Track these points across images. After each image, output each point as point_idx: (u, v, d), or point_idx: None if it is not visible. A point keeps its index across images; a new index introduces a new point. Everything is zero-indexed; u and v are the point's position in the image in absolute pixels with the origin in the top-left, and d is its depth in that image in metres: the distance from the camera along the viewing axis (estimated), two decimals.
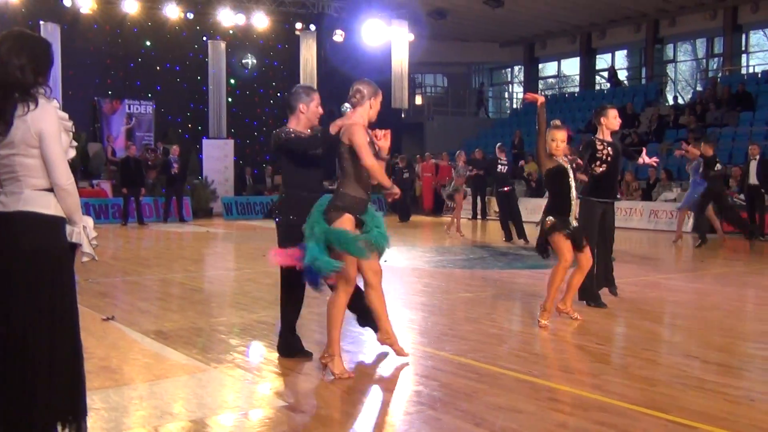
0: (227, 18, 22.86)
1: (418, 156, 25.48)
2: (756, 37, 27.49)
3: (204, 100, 23.84)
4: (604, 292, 7.92)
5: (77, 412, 3.50)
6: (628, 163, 21.43)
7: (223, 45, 23.60)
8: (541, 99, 6.86)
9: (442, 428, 4.08)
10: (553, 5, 26.29)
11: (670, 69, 29.45)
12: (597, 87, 30.64)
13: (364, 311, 5.51)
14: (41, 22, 20.23)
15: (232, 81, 24.59)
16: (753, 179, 16.11)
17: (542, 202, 14.90)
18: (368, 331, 5.87)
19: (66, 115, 3.58)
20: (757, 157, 15.87)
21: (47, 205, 3.44)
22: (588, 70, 30.69)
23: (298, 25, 24.37)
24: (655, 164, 8.55)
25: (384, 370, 5.28)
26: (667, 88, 28.71)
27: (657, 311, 7.69)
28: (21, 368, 3.36)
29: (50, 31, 20.20)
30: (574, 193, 6.69)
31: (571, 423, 4.22)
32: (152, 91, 23.65)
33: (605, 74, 30.46)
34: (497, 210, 15.99)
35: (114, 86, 23.45)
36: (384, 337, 5.42)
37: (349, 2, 25.10)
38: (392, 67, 24.66)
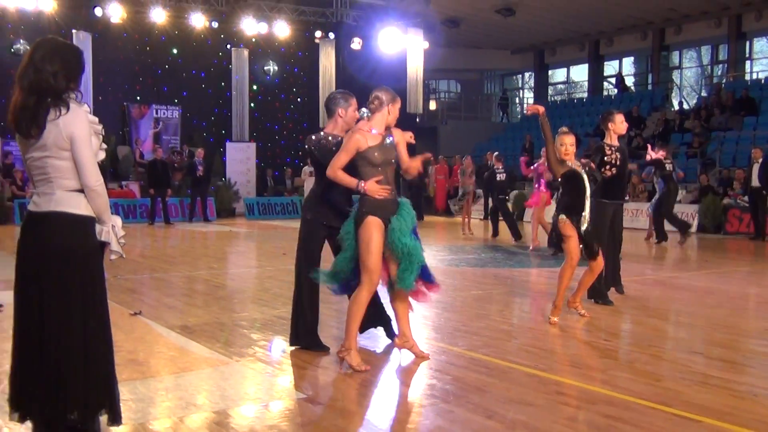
0: (250, 27, 22.92)
1: (431, 159, 25.46)
2: (759, 44, 27.23)
3: (228, 105, 23.92)
4: (610, 291, 7.89)
5: (111, 403, 3.52)
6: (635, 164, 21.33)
7: (246, 52, 23.67)
8: (541, 109, 6.84)
9: (454, 420, 4.07)
10: (563, 14, 26.18)
11: (675, 75, 29.25)
12: (605, 93, 30.47)
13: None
14: (74, 31, 20.37)
15: (255, 87, 24.65)
16: (755, 182, 15.98)
17: (552, 203, 14.85)
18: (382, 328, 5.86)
19: (96, 119, 3.59)
20: (760, 160, 15.74)
21: (78, 206, 3.46)
22: (596, 77, 30.53)
23: (318, 34, 24.39)
24: (662, 157, 8.44)
25: (399, 364, 5.26)
26: (673, 94, 28.50)
27: (662, 308, 7.64)
28: (56, 363, 3.37)
29: (82, 40, 20.34)
30: (588, 195, 6.66)
31: (579, 416, 4.20)
32: (178, 97, 23.76)
33: (613, 80, 30.27)
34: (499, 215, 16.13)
35: (142, 92, 23.57)
36: (403, 340, 5.40)
37: (366, 11, 25.11)
38: (408, 74, 24.67)
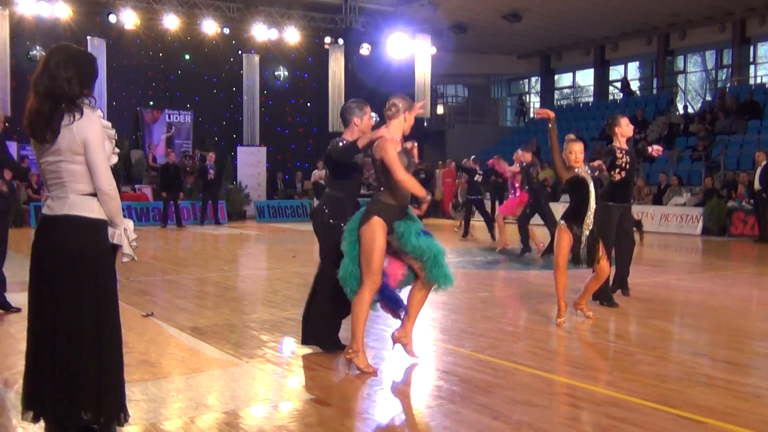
0: (261, 33, 22.96)
1: (440, 162, 25.46)
2: (764, 49, 27.09)
3: (239, 109, 23.97)
4: (616, 293, 7.87)
5: (120, 405, 3.53)
6: (640, 167, 21.27)
7: (256, 58, 23.72)
8: (552, 114, 6.83)
9: (461, 421, 4.06)
10: (568, 20, 26.12)
11: (680, 80, 29.13)
12: (610, 97, 30.38)
13: None
14: (88, 38, 20.44)
15: (265, 92, 24.67)
16: (757, 185, 15.93)
17: (558, 207, 14.82)
18: (392, 328, 5.85)
19: (109, 124, 3.60)
20: (763, 163, 15.68)
21: (91, 209, 3.47)
22: (602, 81, 30.45)
23: (327, 39, 24.42)
24: (659, 153, 8.39)
25: (406, 365, 5.25)
26: (678, 98, 28.40)
27: (667, 310, 7.61)
28: (69, 364, 3.38)
29: (97, 46, 20.42)
30: (592, 201, 6.61)
31: (583, 417, 4.19)
32: (191, 102, 23.82)
33: (618, 85, 30.19)
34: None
35: (155, 97, 23.66)
36: (401, 335, 5.38)
37: (375, 17, 25.13)
38: (416, 79, 24.67)
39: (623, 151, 7.74)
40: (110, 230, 3.55)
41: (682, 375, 4.98)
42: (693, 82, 29.93)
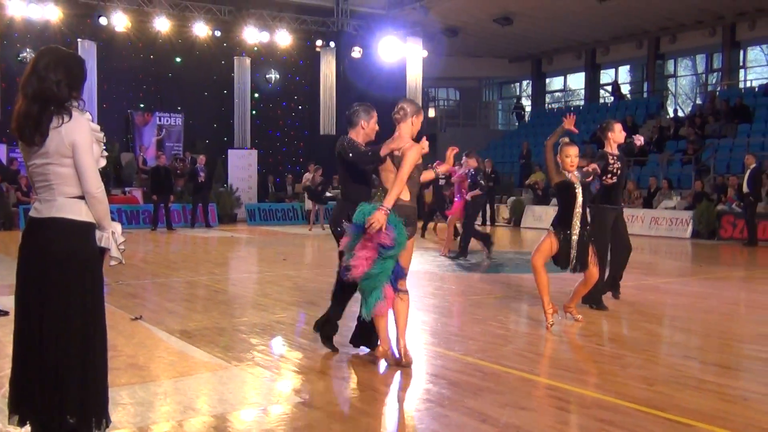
0: (252, 36, 22.96)
1: (430, 165, 25.47)
2: (753, 53, 27.26)
3: (230, 112, 23.92)
4: (606, 294, 7.89)
5: (102, 410, 3.51)
6: (631, 174, 21.37)
7: (248, 61, 23.70)
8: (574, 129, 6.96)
9: (449, 424, 4.07)
10: (559, 23, 26.22)
11: (671, 83, 29.28)
12: (601, 100, 30.49)
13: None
14: (79, 40, 20.39)
15: (256, 95, 24.66)
16: (746, 188, 16.04)
17: (549, 209, 14.81)
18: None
19: (98, 127, 3.59)
20: (752, 166, 15.77)
21: (78, 212, 3.46)
22: (593, 85, 30.57)
23: (319, 42, 24.43)
24: (640, 141, 8.43)
25: (395, 369, 5.25)
26: (668, 102, 28.54)
27: (656, 313, 7.63)
28: (55, 367, 3.37)
29: (87, 49, 20.37)
30: (578, 206, 6.64)
31: (572, 420, 4.20)
32: (182, 104, 23.76)
33: (609, 88, 30.31)
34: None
35: (146, 100, 23.59)
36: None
37: (366, 20, 25.16)
38: (407, 82, 24.71)
39: (615, 157, 7.80)
40: (98, 233, 3.54)
41: (671, 378, 5.00)
42: (683, 86, 30.08)
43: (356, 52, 24.45)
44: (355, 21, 25.04)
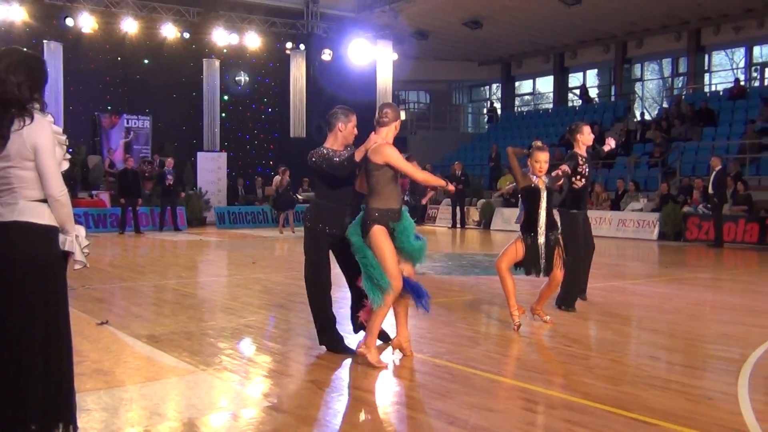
0: (221, 37, 22.85)
1: None
2: (718, 58, 27.71)
3: (199, 115, 23.75)
4: (576, 296, 7.95)
5: (70, 415, 3.47)
6: (599, 176, 21.60)
7: (217, 63, 23.56)
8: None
9: (417, 427, 4.07)
10: (528, 27, 26.44)
11: (637, 87, 29.67)
12: (570, 104, 30.82)
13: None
14: (44, 41, 20.12)
15: (226, 97, 24.53)
16: (710, 189, 16.30)
17: (518, 212, 14.90)
18: (352, 334, 5.86)
19: (60, 129, 3.55)
20: (717, 168, 16.02)
21: (41, 216, 3.42)
22: (561, 88, 30.89)
23: (288, 45, 24.37)
24: (609, 146, 8.53)
25: (363, 371, 5.25)
26: (635, 105, 28.91)
27: (623, 314, 7.71)
28: (16, 374, 3.31)
29: (53, 50, 20.12)
30: (543, 210, 6.67)
31: (539, 421, 4.23)
32: (150, 107, 23.53)
33: (577, 92, 30.64)
34: None
35: (113, 102, 23.35)
36: (400, 341, 5.57)
37: (336, 23, 25.16)
38: (377, 85, 24.74)
39: (584, 159, 7.85)
40: (61, 237, 3.50)
41: (637, 378, 5.05)
42: (650, 90, 30.50)
43: (326, 55, 24.45)
44: (325, 23, 25.03)
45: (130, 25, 21.36)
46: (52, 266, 3.45)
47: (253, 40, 23.46)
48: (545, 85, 32.82)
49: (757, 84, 25.68)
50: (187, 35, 22.63)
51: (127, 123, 23.10)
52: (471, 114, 37.05)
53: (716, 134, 21.98)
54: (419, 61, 29.61)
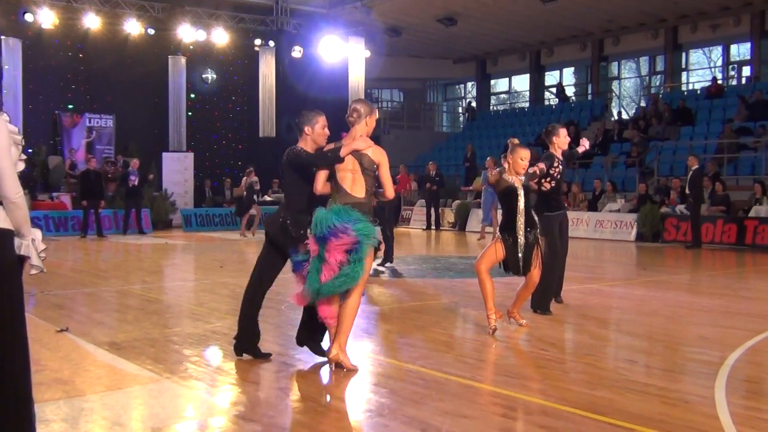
0: (187, 34, 22.69)
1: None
2: (696, 56, 28.10)
3: (164, 114, 23.54)
4: (551, 299, 8.00)
5: (29, 427, 3.41)
6: (575, 176, 21.79)
7: (183, 60, 23.40)
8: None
9: None
10: (504, 24, 26.60)
11: (615, 85, 29.98)
12: (546, 102, 31.05)
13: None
14: (2, 38, 19.86)
15: (192, 95, 24.35)
16: (687, 189, 16.50)
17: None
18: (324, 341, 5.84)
19: (16, 129, 3.50)
20: (693, 168, 16.21)
21: None
22: (537, 87, 31.11)
23: (257, 41, 24.27)
24: (584, 147, 8.62)
25: (334, 377, 5.24)
26: (612, 104, 29.22)
27: (600, 317, 7.78)
28: None
29: (12, 47, 19.86)
30: (521, 209, 6.70)
31: (513, 427, 4.25)
32: (113, 105, 23.24)
33: (554, 90, 30.88)
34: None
35: (75, 100, 23.06)
36: (335, 352, 5.40)
37: (307, 19, 25.11)
38: (349, 83, 24.72)
39: (559, 161, 7.91)
40: (17, 241, 3.44)
41: (613, 382, 5.10)
42: (627, 88, 30.84)
43: (296, 52, 24.39)
44: (295, 19, 24.98)
45: (92, 21, 21.14)
46: (7, 271, 3.39)
47: (221, 37, 23.33)
48: (521, 83, 33.06)
49: (734, 82, 26.08)
50: (151, 31, 22.44)
51: (89, 122, 22.83)
52: (446, 113, 37.19)
53: (694, 133, 22.27)
54: (392, 58, 29.66)
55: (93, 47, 22.26)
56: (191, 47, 23.46)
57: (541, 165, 7.29)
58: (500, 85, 34.52)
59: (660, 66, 27.88)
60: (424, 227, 22.25)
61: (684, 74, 27.51)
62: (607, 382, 5.09)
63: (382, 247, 11.45)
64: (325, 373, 5.35)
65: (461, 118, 35.45)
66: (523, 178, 6.75)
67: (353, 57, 24.86)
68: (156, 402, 4.63)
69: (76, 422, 4.22)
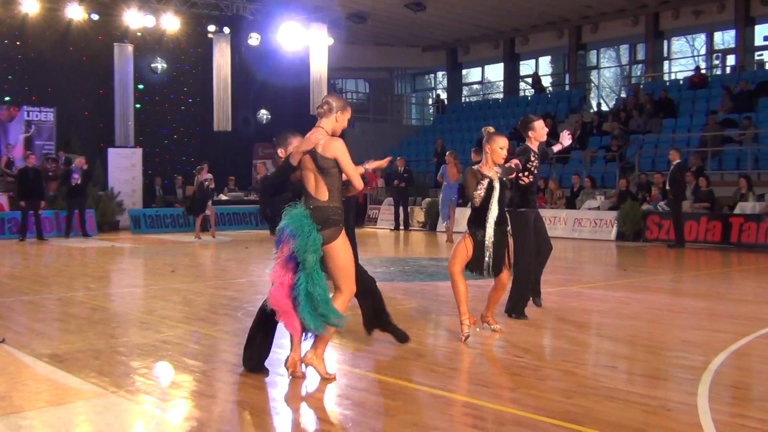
0: (135, 19, 22.46)
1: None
2: (678, 44, 28.51)
3: (110, 106, 23.30)
4: (527, 302, 8.06)
5: None
6: (553, 172, 21.98)
7: (130, 48, 23.16)
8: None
9: None
10: (475, 10, 26.74)
11: (593, 75, 30.29)
12: (521, 93, 31.29)
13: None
14: None
15: (141, 86, 24.16)
16: (667, 185, 16.71)
17: (466, 211, 15.09)
18: (284, 350, 5.83)
19: None
20: (675, 162, 16.40)
21: None
22: (512, 77, 31.32)
23: (211, 28, 24.12)
24: (568, 139, 8.65)
25: (295, 389, 5.24)
26: (591, 95, 29.52)
27: (578, 321, 7.86)
28: None
29: None
30: (495, 202, 6.73)
31: None
32: (53, 97, 22.96)
33: (529, 80, 31.12)
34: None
35: (12, 92, 22.72)
36: (312, 356, 5.42)
37: (265, 4, 24.99)
38: (311, 73, 24.62)
39: (536, 155, 7.97)
40: None
41: (590, 390, 5.16)
42: (607, 78, 31.21)
43: (254, 39, 24.28)
44: (252, 4, 24.86)
45: (30, 6, 20.84)
46: None
47: (171, 23, 23.13)
48: (494, 73, 33.25)
49: (718, 72, 26.49)
50: (95, 17, 22.21)
51: (28, 116, 22.52)
52: (414, 105, 37.29)
53: (676, 126, 22.58)
54: (357, 46, 29.68)
55: (32, 34, 21.96)
56: (139, 34, 23.24)
57: (516, 161, 7.35)
58: (472, 75, 34.71)
59: (641, 55, 28.24)
60: (392, 227, 22.28)
61: (666, 63, 27.89)
62: (585, 390, 5.15)
63: None
64: (284, 385, 5.34)
65: (431, 111, 35.59)
66: (499, 170, 6.76)
67: (315, 45, 24.78)
68: (101, 419, 4.59)
69: None
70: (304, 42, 24.65)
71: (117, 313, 8.59)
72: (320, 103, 5.48)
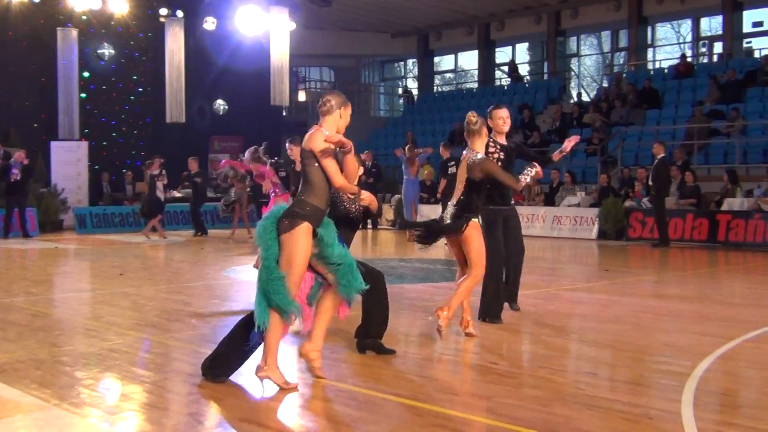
0: (80, 2, 22.22)
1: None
2: (663, 30, 28.84)
3: (52, 96, 23.04)
4: (504, 307, 8.10)
5: None
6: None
7: (74, 33, 22.88)
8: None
9: None
10: None
11: (573, 63, 30.53)
12: (497, 82, 31.44)
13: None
14: None
15: (86, 74, 23.93)
16: (650, 180, 16.86)
17: (438, 209, 15.19)
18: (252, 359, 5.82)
19: None
20: (660, 156, 16.54)
21: None
22: (487, 65, 31.46)
23: (163, 11, 23.89)
24: (572, 143, 8.68)
25: (253, 400, 5.23)
26: (571, 84, 29.74)
27: (557, 325, 7.93)
28: None
29: None
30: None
31: None
32: None
33: (505, 69, 31.28)
34: None
35: None
36: (310, 349, 5.58)
37: None
38: (271, 60, 24.47)
39: (497, 146, 7.90)
40: None
41: (571, 398, 5.21)
42: (588, 67, 31.50)
43: (209, 24, 24.11)
44: None
45: None
46: None
47: (119, 5, 22.90)
48: (469, 61, 33.40)
49: (705, 60, 26.82)
50: None
51: None
52: (383, 95, 37.34)
53: (661, 117, 22.82)
54: (322, 32, 29.67)
55: None
56: (84, 17, 22.99)
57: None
58: (445, 62, 34.84)
59: (623, 41, 28.51)
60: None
61: (650, 51, 28.18)
62: (563, 398, 5.20)
63: None
64: (242, 396, 5.33)
65: (400, 101, 35.66)
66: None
67: (275, 30, 24.64)
68: None
69: None
70: (264, 27, 24.51)
71: (60, 319, 8.52)
72: (321, 101, 5.58)
